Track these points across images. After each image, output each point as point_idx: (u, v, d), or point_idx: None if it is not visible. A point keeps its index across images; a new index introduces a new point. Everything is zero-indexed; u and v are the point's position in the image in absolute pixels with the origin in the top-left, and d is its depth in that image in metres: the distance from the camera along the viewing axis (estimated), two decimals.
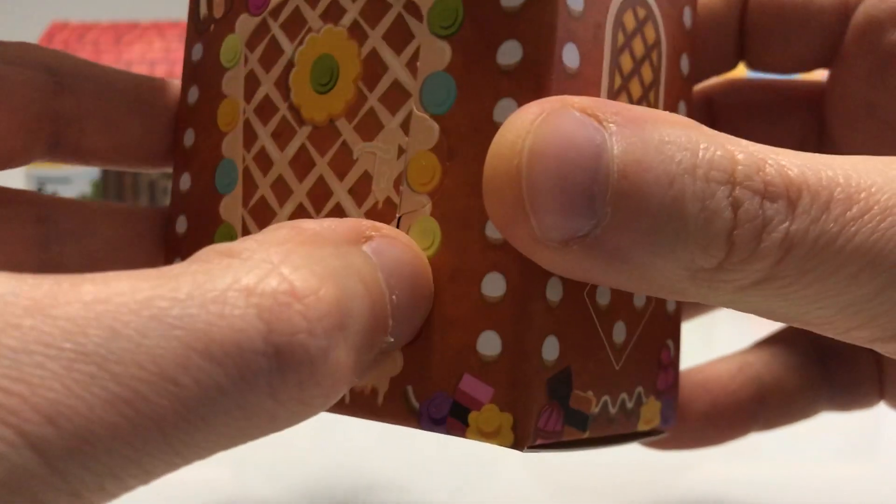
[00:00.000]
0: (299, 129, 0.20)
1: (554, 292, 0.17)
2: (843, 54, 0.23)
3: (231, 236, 0.21)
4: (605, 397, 0.19)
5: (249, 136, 0.21)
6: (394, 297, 0.17)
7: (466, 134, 0.18)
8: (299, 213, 0.20)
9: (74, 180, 0.46)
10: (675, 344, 0.21)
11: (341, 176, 0.20)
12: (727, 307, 0.17)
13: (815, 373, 0.26)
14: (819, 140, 0.25)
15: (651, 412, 0.20)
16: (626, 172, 0.15)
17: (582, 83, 0.18)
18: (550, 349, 0.17)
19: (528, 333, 0.17)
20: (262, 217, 0.21)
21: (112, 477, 0.12)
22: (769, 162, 0.15)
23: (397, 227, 0.19)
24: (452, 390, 0.18)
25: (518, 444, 0.17)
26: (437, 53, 0.18)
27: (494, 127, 0.17)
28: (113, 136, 0.23)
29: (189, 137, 0.23)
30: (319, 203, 0.20)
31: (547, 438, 0.18)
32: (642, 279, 0.16)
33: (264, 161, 0.21)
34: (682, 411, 0.25)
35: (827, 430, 0.28)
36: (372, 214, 0.19)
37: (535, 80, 0.17)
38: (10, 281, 0.13)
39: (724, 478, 0.31)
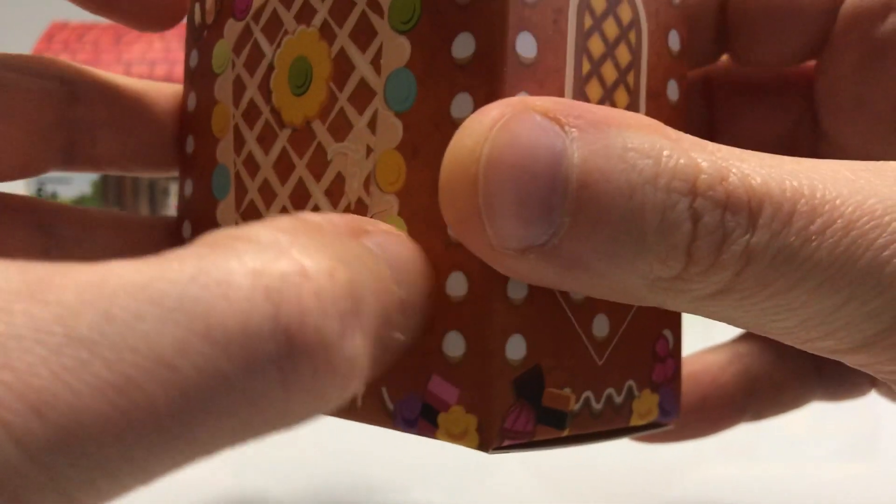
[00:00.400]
0: (280, 132, 0.20)
1: (517, 290, 0.17)
2: (831, 47, 0.23)
3: None
4: (587, 393, 0.19)
5: (239, 142, 0.22)
6: (401, 292, 0.16)
7: (427, 131, 0.18)
8: (282, 216, 0.20)
9: (74, 180, 0.46)
10: (675, 333, 0.21)
11: (318, 177, 0.20)
12: (688, 313, 0.17)
13: (806, 363, 0.26)
14: (814, 123, 0.25)
15: (646, 406, 0.20)
16: (586, 182, 0.15)
17: (542, 72, 0.17)
18: (515, 348, 0.17)
19: (490, 333, 0.17)
20: (252, 221, 0.21)
21: (105, 475, 0.11)
22: (733, 171, 0.15)
23: None
24: (422, 391, 0.18)
25: (483, 446, 0.17)
26: (397, 50, 0.18)
27: (452, 123, 0.17)
28: (124, 144, 0.24)
29: (190, 144, 0.23)
30: (300, 205, 0.20)
31: (515, 439, 0.17)
32: (601, 287, 0.16)
33: (252, 165, 0.21)
34: None
35: (827, 430, 0.28)
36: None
37: (488, 73, 0.17)
38: (2, 266, 0.12)
39: (724, 478, 0.31)
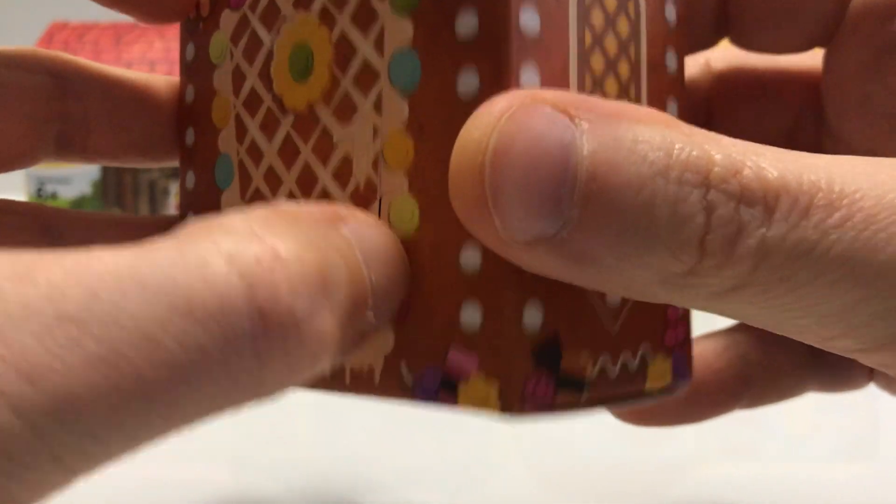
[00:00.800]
0: (283, 118, 0.21)
1: None
2: (839, 43, 0.23)
3: None
4: (603, 359, 0.19)
5: (241, 130, 0.22)
6: (372, 276, 0.16)
7: (434, 109, 0.18)
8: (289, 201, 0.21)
9: (74, 180, 0.46)
10: None
11: (324, 161, 0.20)
12: (702, 311, 0.16)
13: (803, 352, 0.26)
14: (816, 122, 0.25)
15: (660, 370, 0.20)
16: (595, 174, 0.15)
17: (546, 46, 0.17)
18: (533, 316, 0.17)
19: (507, 302, 0.17)
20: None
21: (95, 441, 0.12)
22: (748, 164, 0.15)
23: (379, 208, 0.19)
24: (441, 362, 0.18)
25: (505, 411, 0.17)
26: (400, 30, 0.18)
27: (459, 100, 0.17)
28: (118, 135, 0.24)
29: (190, 136, 0.23)
30: (307, 190, 0.20)
31: (537, 405, 0.18)
32: (611, 282, 0.16)
33: (256, 153, 0.21)
34: None
35: (827, 430, 0.28)
36: (356, 197, 0.19)
37: (494, 49, 0.17)
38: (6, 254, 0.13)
39: (724, 478, 0.32)
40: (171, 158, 0.25)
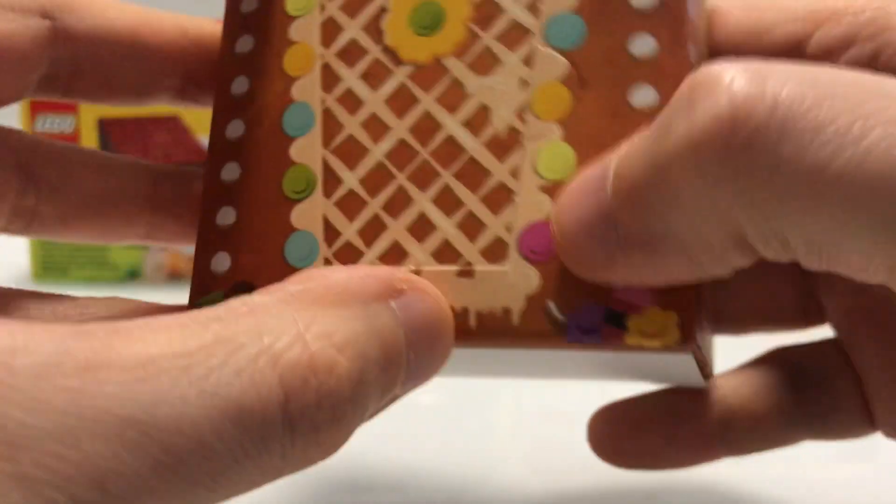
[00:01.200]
0: (396, 69, 0.22)
1: None
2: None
3: (307, 177, 0.22)
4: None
5: (330, 79, 0.23)
6: (411, 354, 0.18)
7: (599, 65, 0.20)
8: (400, 148, 0.22)
9: None
10: None
11: (453, 110, 0.21)
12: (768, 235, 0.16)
13: (787, 397, 0.26)
14: None
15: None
16: None
17: (693, 23, 0.20)
18: None
19: None
20: (350, 156, 0.22)
21: None
22: None
23: (522, 154, 0.20)
24: (605, 299, 0.19)
25: (683, 343, 0.18)
26: None
27: (629, 58, 0.20)
28: (110, 79, 0.24)
29: (240, 85, 0.24)
30: (425, 137, 0.22)
31: (696, 340, 0.19)
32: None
33: (352, 101, 0.22)
34: (641, 431, 0.26)
35: None
36: (493, 144, 0.21)
37: (673, 20, 0.20)
38: (54, 338, 0.14)
39: (724, 478, 0.32)
40: (164, 101, 0.25)
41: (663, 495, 0.31)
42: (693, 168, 0.16)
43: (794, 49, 0.22)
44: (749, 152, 0.15)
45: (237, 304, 0.16)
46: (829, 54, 0.22)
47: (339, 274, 0.18)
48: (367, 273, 0.18)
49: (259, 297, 0.17)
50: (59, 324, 0.14)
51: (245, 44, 0.24)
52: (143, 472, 0.13)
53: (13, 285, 0.23)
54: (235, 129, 0.23)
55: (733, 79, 0.16)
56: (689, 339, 0.18)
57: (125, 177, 0.25)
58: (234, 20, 0.24)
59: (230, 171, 0.23)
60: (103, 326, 0.14)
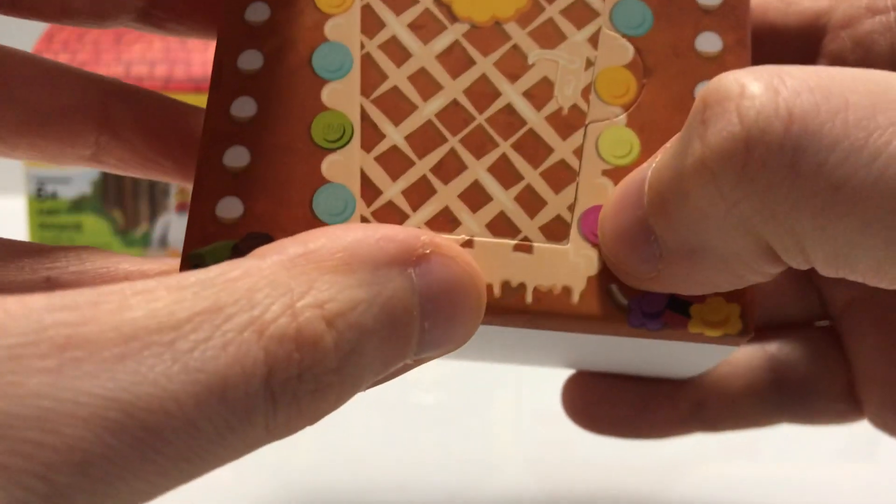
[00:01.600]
0: (450, 25, 0.21)
1: None
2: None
3: (343, 124, 0.20)
4: None
5: (372, 23, 0.21)
6: (426, 323, 0.16)
7: (666, 56, 0.20)
8: (452, 109, 0.20)
9: (74, 181, 0.46)
10: None
11: (513, 78, 0.20)
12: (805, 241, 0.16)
13: (764, 379, 0.26)
14: None
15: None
16: None
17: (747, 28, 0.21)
18: None
19: None
20: (395, 109, 0.20)
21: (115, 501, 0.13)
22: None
23: (584, 134, 0.20)
24: None
25: (744, 332, 0.19)
26: None
27: (696, 54, 0.20)
28: None
29: (259, 12, 0.21)
30: (481, 101, 0.20)
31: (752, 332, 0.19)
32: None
33: (399, 51, 0.21)
34: (613, 402, 0.27)
35: (827, 430, 0.28)
36: (555, 119, 0.20)
37: (737, 22, 0.20)
38: (30, 314, 0.13)
39: (724, 478, 0.31)
40: (125, 24, 0.22)
41: (663, 495, 0.31)
42: (713, 189, 0.16)
43: (818, 18, 0.22)
44: (765, 171, 0.15)
45: (229, 268, 0.15)
46: (854, 21, 0.22)
47: (352, 234, 0.16)
48: (384, 235, 0.16)
49: (255, 261, 0.15)
50: (37, 294, 0.13)
51: None
52: (126, 454, 0.12)
53: None
54: (250, 60, 0.21)
55: (744, 93, 0.16)
56: (749, 330, 0.19)
57: (69, 88, 0.23)
58: None
59: (243, 107, 0.21)
60: (84, 295, 0.13)
